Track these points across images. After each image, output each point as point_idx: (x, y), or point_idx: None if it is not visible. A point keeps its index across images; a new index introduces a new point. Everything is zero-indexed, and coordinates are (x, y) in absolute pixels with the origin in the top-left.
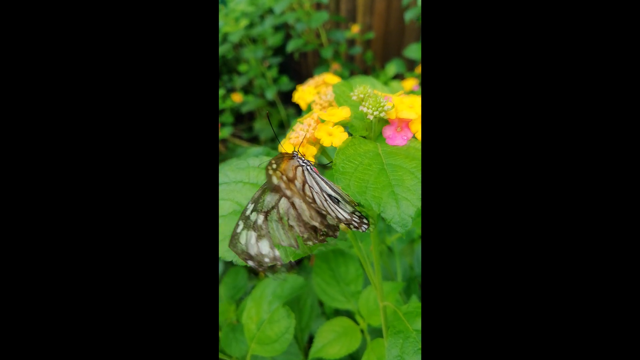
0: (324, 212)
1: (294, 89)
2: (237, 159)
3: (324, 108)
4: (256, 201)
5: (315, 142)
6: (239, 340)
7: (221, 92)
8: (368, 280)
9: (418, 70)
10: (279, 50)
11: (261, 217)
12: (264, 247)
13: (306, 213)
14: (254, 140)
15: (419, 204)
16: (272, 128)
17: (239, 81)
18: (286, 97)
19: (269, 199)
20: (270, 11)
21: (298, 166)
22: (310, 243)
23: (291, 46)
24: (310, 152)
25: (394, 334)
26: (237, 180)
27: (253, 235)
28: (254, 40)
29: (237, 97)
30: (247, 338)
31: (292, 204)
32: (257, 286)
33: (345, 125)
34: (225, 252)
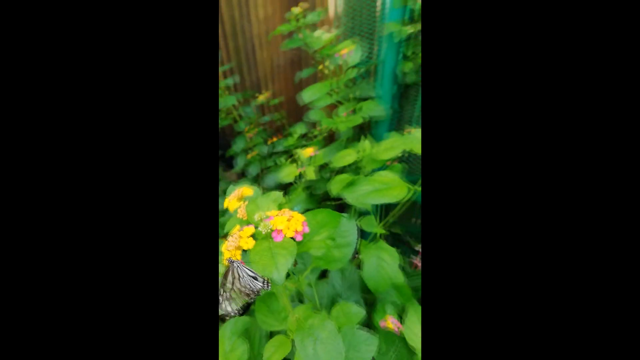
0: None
1: (220, 155)
2: None
3: (241, 217)
4: (223, 283)
5: (239, 247)
6: None
7: None
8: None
9: (316, 130)
10: None
11: (226, 293)
12: (228, 307)
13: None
14: None
15: (284, 274)
16: None
17: None
18: None
19: (229, 279)
20: None
21: (231, 268)
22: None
23: None
24: (238, 253)
25: (298, 331)
26: None
27: (226, 301)
28: None
29: None
30: None
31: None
32: (221, 328)
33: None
34: None
